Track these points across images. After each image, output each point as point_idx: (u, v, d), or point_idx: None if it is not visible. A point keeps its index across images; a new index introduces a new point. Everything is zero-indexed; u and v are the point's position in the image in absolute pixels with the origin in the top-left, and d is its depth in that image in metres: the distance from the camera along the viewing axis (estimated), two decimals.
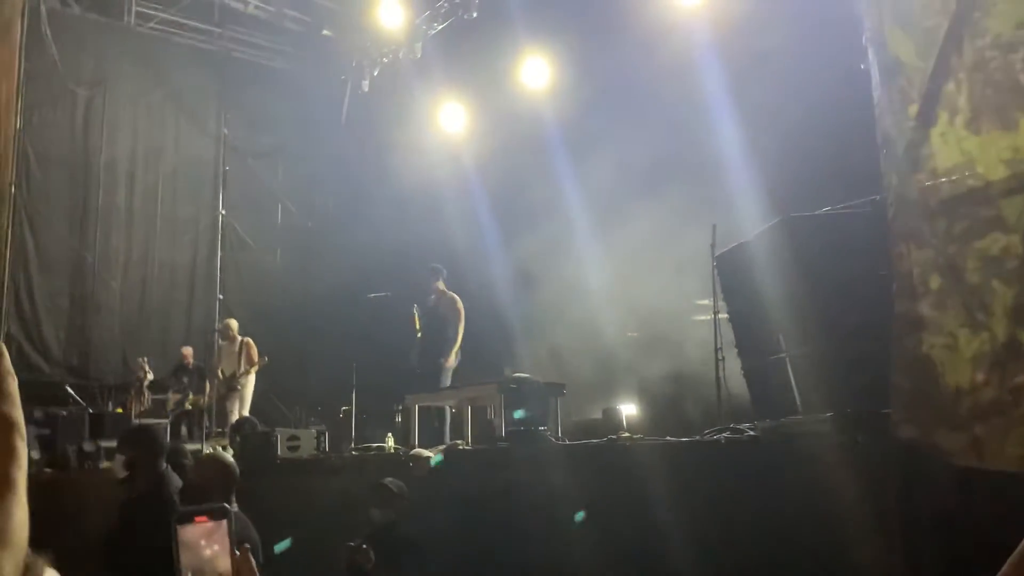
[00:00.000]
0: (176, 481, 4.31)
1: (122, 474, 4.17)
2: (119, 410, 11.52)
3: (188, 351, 11.75)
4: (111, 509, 4.36)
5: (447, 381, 8.70)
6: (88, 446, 8.72)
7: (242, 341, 10.73)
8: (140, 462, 4.20)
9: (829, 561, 3.89)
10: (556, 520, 5.06)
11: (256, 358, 10.64)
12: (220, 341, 11.00)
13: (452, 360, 8.84)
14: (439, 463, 5.82)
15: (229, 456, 4.24)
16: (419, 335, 9.08)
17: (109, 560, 3.98)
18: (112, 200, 13.29)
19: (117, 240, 13.28)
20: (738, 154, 8.24)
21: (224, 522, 1.31)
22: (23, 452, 1.07)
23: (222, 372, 10.81)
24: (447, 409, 8.37)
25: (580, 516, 4.86)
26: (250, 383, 10.66)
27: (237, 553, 1.32)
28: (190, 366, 11.59)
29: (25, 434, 1.09)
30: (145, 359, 11.61)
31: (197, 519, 1.30)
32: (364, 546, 4.79)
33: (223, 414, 10.55)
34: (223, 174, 14.32)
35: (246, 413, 10.28)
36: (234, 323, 11.04)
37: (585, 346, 9.58)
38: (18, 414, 1.08)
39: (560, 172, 10.44)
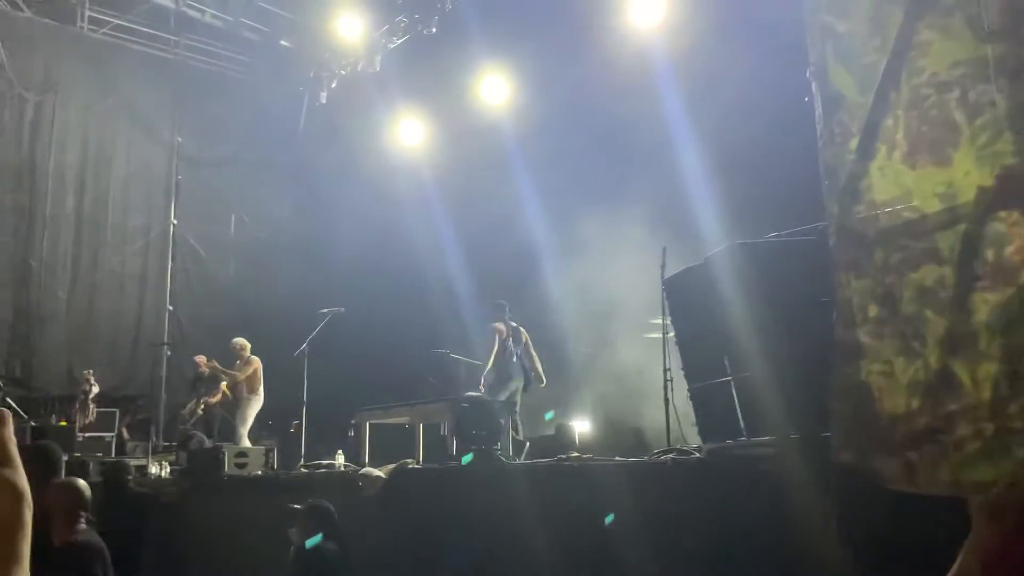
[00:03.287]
0: None
1: None
2: (63, 423, 11.24)
3: (201, 359, 11.23)
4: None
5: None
6: None
7: (245, 360, 10.24)
8: (33, 478, 4.14)
9: None
10: (504, 539, 5.06)
11: (236, 376, 10.19)
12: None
13: (495, 386, 8.92)
14: None
15: (81, 483, 4.22)
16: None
17: None
18: (60, 207, 13.03)
19: (64, 248, 13.01)
20: (695, 173, 8.35)
21: None
22: (30, 523, 1.04)
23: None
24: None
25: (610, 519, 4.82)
26: (245, 404, 10.12)
27: None
28: (205, 374, 11.21)
29: (31, 503, 1.06)
30: (91, 371, 11.35)
31: None
32: None
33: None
34: (176, 183, 14.12)
35: (240, 433, 9.96)
36: (239, 340, 10.46)
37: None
38: (25, 483, 1.05)
39: (518, 188, 10.50)
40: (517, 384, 8.98)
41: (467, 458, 5.77)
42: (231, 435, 10.07)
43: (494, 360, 9.08)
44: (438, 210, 11.75)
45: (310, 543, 5.23)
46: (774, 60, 6.73)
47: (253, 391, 10.04)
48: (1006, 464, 3.17)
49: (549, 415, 6.19)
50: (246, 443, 9.77)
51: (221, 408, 11.00)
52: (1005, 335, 3.34)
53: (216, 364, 10.58)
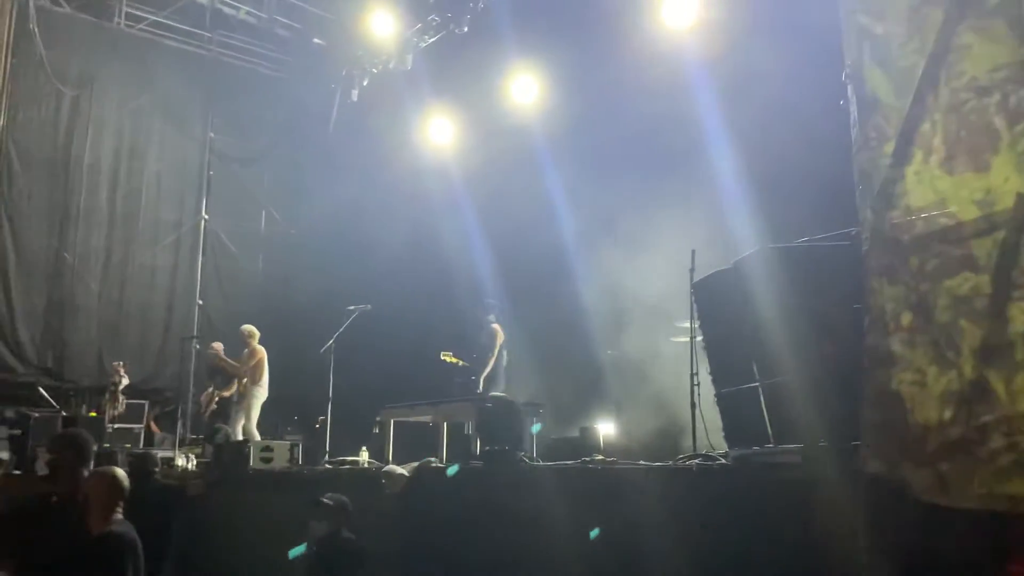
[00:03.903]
0: None
1: (43, 472, 4.19)
2: (93, 414, 11.40)
3: (218, 346, 11.10)
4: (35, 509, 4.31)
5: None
6: None
7: (251, 348, 10.16)
8: (64, 465, 4.22)
9: None
10: (526, 541, 5.04)
11: (238, 368, 10.17)
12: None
13: (492, 385, 8.96)
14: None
15: (120, 473, 4.25)
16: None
17: (15, 555, 3.94)
18: (94, 201, 13.21)
19: (97, 241, 13.19)
20: (726, 175, 8.26)
21: None
22: None
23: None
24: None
25: (595, 533, 4.86)
26: (249, 395, 9.97)
27: None
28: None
29: None
30: (121, 363, 11.49)
31: None
32: None
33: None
34: (208, 179, 14.28)
35: (247, 426, 9.90)
36: (248, 327, 10.36)
37: (568, 361, 9.59)
38: None
39: (548, 188, 10.47)
40: (502, 388, 8.93)
41: (452, 470, 5.86)
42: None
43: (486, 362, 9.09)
44: (467, 209, 11.75)
45: (293, 553, 5.42)
46: (808, 62, 6.64)
47: (256, 381, 9.95)
48: None
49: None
50: (255, 435, 9.74)
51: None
52: None
53: (220, 353, 10.56)
